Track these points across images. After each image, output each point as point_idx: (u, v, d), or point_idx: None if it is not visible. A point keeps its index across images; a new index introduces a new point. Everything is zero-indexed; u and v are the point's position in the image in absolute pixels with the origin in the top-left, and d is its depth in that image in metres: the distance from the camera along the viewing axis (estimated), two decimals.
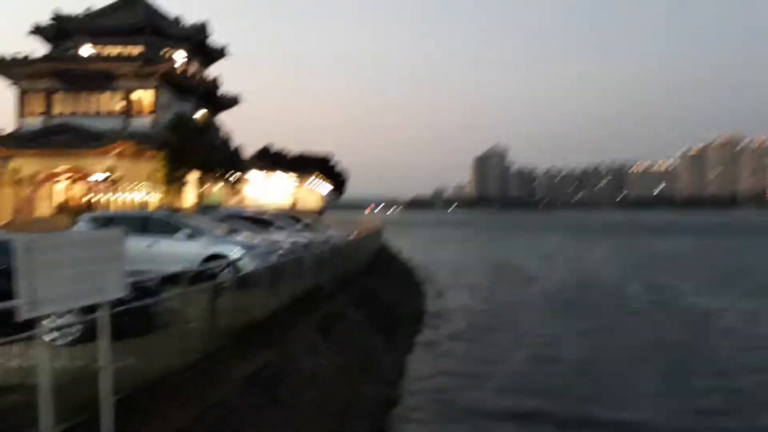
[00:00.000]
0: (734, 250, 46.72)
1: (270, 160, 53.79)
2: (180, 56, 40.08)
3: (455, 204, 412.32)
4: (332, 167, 69.75)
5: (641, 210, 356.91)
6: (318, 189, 54.28)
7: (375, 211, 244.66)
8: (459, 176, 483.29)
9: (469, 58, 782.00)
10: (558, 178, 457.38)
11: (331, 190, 62.86)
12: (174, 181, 32.23)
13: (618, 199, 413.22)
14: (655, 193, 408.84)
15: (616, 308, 19.06)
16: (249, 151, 59.40)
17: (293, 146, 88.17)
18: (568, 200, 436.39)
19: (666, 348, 13.71)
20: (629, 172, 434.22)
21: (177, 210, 23.95)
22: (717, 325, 16.43)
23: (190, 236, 12.65)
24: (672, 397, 10.28)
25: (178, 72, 38.61)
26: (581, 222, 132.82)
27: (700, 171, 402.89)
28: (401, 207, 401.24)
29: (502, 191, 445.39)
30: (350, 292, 13.63)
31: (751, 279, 26.65)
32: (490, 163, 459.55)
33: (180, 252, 12.03)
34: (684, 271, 29.90)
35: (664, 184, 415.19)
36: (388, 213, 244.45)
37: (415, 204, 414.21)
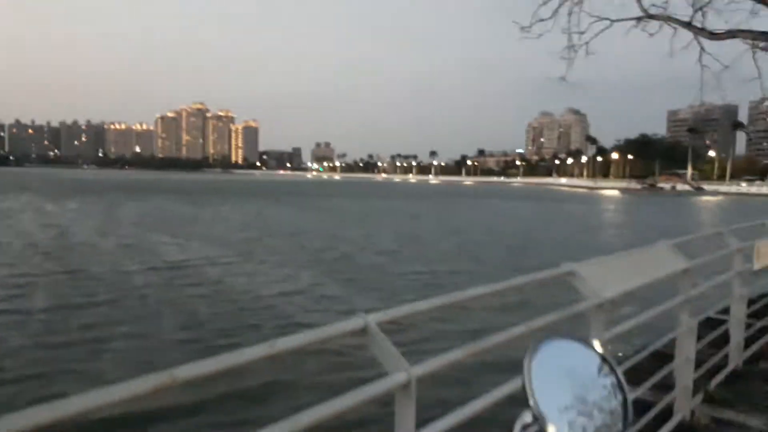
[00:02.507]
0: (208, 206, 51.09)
1: None
2: None
3: None
4: None
5: (123, 168, 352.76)
6: None
7: None
8: None
9: None
10: (30, 131, 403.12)
11: None
12: None
13: (99, 157, 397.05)
14: (134, 152, 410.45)
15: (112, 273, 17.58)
16: None
17: None
18: (45, 155, 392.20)
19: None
20: (108, 130, 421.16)
21: None
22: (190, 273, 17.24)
23: None
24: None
25: None
26: (58, 180, 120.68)
27: (175, 134, 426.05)
28: None
29: None
30: None
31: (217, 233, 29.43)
32: None
33: None
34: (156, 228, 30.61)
35: (140, 146, 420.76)
36: None
37: None
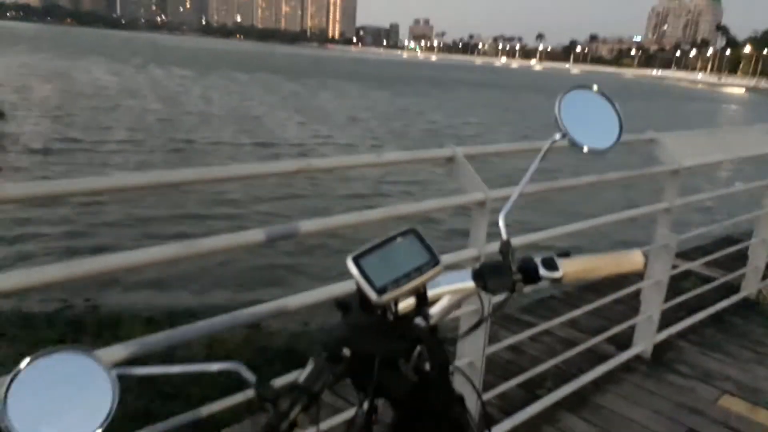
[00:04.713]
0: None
1: None
2: None
3: (14, 12, 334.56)
4: None
5: (228, 38, 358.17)
6: None
7: None
8: None
9: None
10: None
11: None
12: None
13: (203, 25, 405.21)
14: (235, 22, 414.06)
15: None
16: None
17: None
18: (153, 20, 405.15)
19: None
20: None
21: None
22: None
23: None
24: None
25: None
26: (166, 46, 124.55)
27: (275, 4, 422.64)
28: None
29: (74, 2, 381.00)
30: None
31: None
32: None
33: None
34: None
35: (241, 15, 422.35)
36: None
37: None
